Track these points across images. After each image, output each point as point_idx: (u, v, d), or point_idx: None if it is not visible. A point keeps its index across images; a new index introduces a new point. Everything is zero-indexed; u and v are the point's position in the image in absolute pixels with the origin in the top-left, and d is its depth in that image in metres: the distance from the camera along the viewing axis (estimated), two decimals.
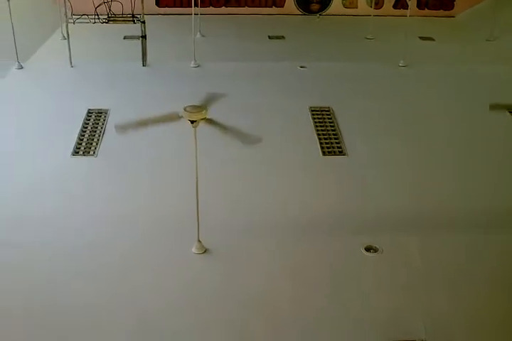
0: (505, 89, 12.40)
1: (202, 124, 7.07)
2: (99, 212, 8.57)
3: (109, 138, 10.18)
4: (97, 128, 10.41)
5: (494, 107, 8.17)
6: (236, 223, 8.42)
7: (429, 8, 18.30)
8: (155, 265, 7.52)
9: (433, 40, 16.08)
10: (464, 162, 10.04)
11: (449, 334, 6.85)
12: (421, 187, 9.37)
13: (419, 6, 17.92)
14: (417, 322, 6.90)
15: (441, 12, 18.48)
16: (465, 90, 12.47)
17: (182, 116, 7.00)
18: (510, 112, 11.14)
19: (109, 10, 13.19)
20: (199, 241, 7.70)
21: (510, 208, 8.93)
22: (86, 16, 13.11)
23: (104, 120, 10.60)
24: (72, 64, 12.69)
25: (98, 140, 10.11)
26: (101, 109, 10.90)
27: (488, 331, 6.90)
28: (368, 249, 7.86)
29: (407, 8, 14.00)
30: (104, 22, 13.14)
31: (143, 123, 7.23)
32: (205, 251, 7.72)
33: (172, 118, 7.07)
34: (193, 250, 7.70)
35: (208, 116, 7.04)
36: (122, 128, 7.47)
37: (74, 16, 13.07)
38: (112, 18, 13.20)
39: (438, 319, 6.99)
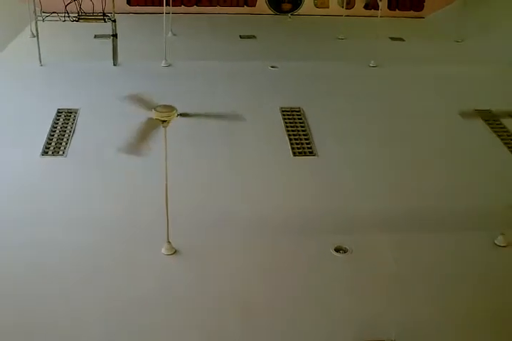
0: (473, 88, 12.57)
1: (175, 122, 7.04)
2: (68, 212, 8.49)
3: (79, 138, 10.11)
4: (66, 128, 10.32)
5: (466, 115, 8.25)
6: (207, 223, 8.39)
7: (399, 9, 18.42)
8: (124, 266, 7.49)
9: (403, 40, 16.20)
10: (435, 161, 10.12)
11: (420, 334, 6.88)
12: (392, 188, 9.41)
13: (390, 6, 18.00)
14: (387, 322, 6.94)
15: (411, 13, 18.62)
16: (434, 90, 12.60)
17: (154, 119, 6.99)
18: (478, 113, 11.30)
19: (80, 8, 13.05)
20: (169, 242, 7.67)
21: (484, 208, 8.97)
22: (56, 14, 12.97)
23: (74, 120, 10.51)
24: (42, 63, 12.59)
25: (68, 140, 10.03)
26: (71, 109, 10.82)
27: (459, 329, 6.95)
28: (337, 250, 7.89)
29: (378, 9, 14.08)
30: (74, 20, 13.00)
31: (140, 141, 7.15)
32: (174, 252, 7.70)
33: (153, 124, 7.03)
34: (163, 251, 7.67)
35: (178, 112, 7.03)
36: (128, 151, 7.42)
37: (43, 14, 12.94)
38: (82, 17, 13.08)
39: (409, 318, 7.03)
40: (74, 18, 12.98)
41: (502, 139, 10.65)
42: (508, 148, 10.42)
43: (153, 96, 9.84)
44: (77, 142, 10.02)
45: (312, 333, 6.80)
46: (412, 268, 7.75)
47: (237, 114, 7.71)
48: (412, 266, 7.79)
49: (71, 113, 10.71)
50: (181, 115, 7.12)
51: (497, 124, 11.03)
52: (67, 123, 10.43)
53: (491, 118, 11.10)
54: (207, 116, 7.28)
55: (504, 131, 10.80)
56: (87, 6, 13.00)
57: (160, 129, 7.01)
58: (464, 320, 7.04)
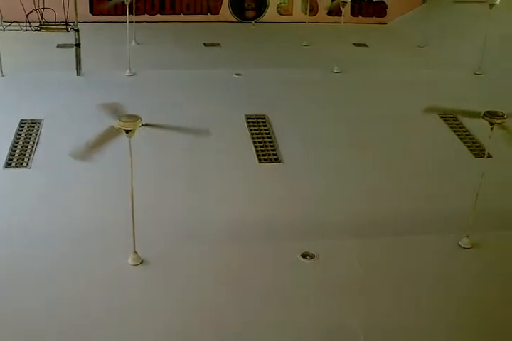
0: (436, 92, 12.70)
1: (140, 131, 7.02)
2: (32, 224, 8.41)
3: (43, 149, 10.02)
4: (30, 139, 10.22)
5: (429, 110, 8.35)
6: (173, 232, 8.38)
7: (362, 16, 18.57)
8: (90, 278, 7.41)
9: (366, 46, 16.33)
10: (400, 164, 10.22)
11: (387, 339, 6.92)
12: (357, 193, 9.48)
13: (353, 13, 18.14)
14: (354, 327, 6.97)
15: (374, 19, 18.77)
16: (398, 94, 12.72)
17: (117, 128, 6.96)
18: (441, 116, 11.43)
19: (41, 17, 12.97)
20: (135, 252, 7.63)
21: (448, 210, 9.06)
22: (17, 23, 12.87)
23: (37, 130, 10.43)
24: (3, 73, 12.45)
25: (31, 151, 9.93)
26: (34, 120, 10.72)
27: (426, 333, 6.99)
28: (304, 256, 7.91)
29: (341, 15, 14.19)
30: (36, 30, 12.91)
31: (93, 146, 7.10)
32: (141, 262, 7.65)
33: (113, 133, 7.00)
34: (129, 261, 7.62)
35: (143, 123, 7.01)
36: (77, 155, 7.34)
37: (4, 23, 12.83)
38: (44, 26, 12.99)
39: (376, 323, 7.06)
40: (36, 28, 12.89)
41: (464, 142, 10.80)
42: (471, 151, 10.56)
43: None
44: (41, 153, 9.93)
45: (281, 339, 6.81)
46: (379, 273, 7.80)
47: (204, 129, 7.72)
48: (379, 270, 7.84)
49: (34, 123, 10.62)
50: (146, 125, 7.10)
51: (460, 127, 11.18)
52: (31, 134, 10.33)
53: (451, 120, 11.27)
54: (172, 129, 7.25)
55: (467, 135, 10.96)
56: (49, 15, 12.91)
57: (118, 138, 6.96)
58: (432, 322, 7.07)
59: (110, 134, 6.98)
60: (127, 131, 7.02)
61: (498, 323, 7.15)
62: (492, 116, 7.55)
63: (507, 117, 7.55)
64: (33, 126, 10.54)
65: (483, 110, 7.66)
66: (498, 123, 7.55)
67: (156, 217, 8.52)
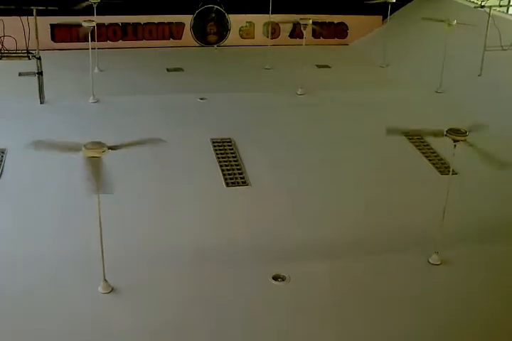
0: (399, 111, 12.89)
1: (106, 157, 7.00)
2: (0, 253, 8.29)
3: (9, 178, 9.91)
4: None
5: (391, 132, 8.43)
6: (142, 259, 8.29)
7: (324, 37, 18.77)
8: (59, 307, 7.31)
9: (329, 67, 16.52)
10: (367, 184, 10.27)
11: None
12: (325, 214, 9.49)
13: (315, 35, 18.33)
14: None
15: (335, 40, 19.02)
16: (362, 114, 12.87)
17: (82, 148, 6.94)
18: (406, 136, 11.55)
19: (2, 45, 12.89)
20: (105, 280, 7.54)
21: (417, 227, 9.12)
22: None
23: (1, 160, 10.32)
24: None
25: None
26: None
27: None
28: (275, 278, 7.89)
29: (303, 38, 14.34)
30: None
31: (97, 181, 7.03)
32: (111, 290, 7.57)
33: (94, 163, 6.97)
34: (100, 290, 7.53)
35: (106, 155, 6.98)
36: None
37: None
38: (5, 54, 12.91)
39: None
40: None
41: (430, 160, 10.91)
42: (437, 168, 10.67)
43: (82, 133, 9.85)
44: (6, 182, 9.81)
45: None
46: (350, 293, 7.80)
47: (160, 138, 7.70)
48: (350, 290, 7.85)
49: None
50: (111, 148, 7.07)
51: (424, 145, 11.30)
52: None
53: (415, 138, 11.39)
54: (133, 144, 7.22)
55: (432, 152, 11.08)
56: (9, 43, 12.84)
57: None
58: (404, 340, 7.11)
59: (94, 165, 6.93)
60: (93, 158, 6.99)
61: (470, 339, 7.20)
62: (455, 134, 7.64)
63: (468, 134, 7.65)
64: None
65: (445, 128, 7.76)
66: (461, 141, 7.65)
67: (125, 242, 8.45)
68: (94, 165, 6.92)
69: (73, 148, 7.01)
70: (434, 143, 11.12)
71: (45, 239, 8.60)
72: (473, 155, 7.68)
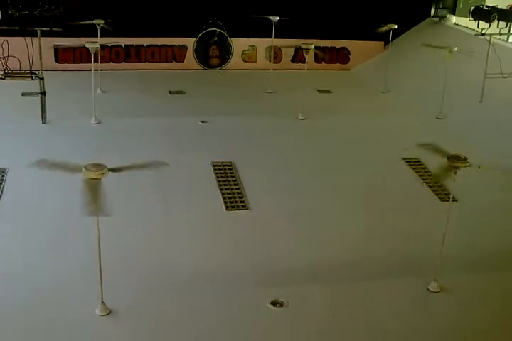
0: (400, 137, 12.91)
1: (107, 179, 7.00)
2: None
3: (9, 197, 9.91)
4: None
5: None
6: (142, 280, 8.26)
7: (325, 62, 18.88)
8: (57, 330, 7.26)
9: (330, 92, 16.59)
10: (366, 209, 10.27)
11: None
12: (325, 238, 9.47)
13: (317, 60, 18.46)
14: None
15: (337, 65, 19.14)
16: (363, 139, 12.89)
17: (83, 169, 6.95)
18: (406, 161, 11.59)
19: (6, 65, 12.96)
20: (103, 302, 7.50)
21: (415, 254, 9.08)
22: None
23: (2, 179, 10.33)
24: None
25: None
26: None
27: None
28: (273, 303, 7.84)
29: (305, 62, 14.43)
30: (0, 78, 12.90)
31: (94, 203, 7.04)
32: (109, 313, 7.52)
33: (93, 184, 6.98)
34: (97, 312, 7.49)
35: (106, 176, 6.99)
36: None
37: None
38: (8, 74, 12.97)
39: None
40: (0, 76, 12.87)
41: (430, 186, 10.91)
42: (437, 194, 10.66)
43: (83, 154, 9.86)
44: (6, 201, 9.81)
45: None
46: (349, 319, 7.75)
47: (162, 161, 7.71)
48: (349, 316, 7.79)
49: None
50: (112, 170, 7.08)
51: (425, 172, 11.32)
52: None
53: (416, 164, 11.42)
54: (136, 167, 7.23)
55: (432, 178, 11.05)
56: (13, 64, 12.90)
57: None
58: None
59: (92, 186, 6.94)
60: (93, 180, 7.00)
61: None
62: (455, 160, 7.65)
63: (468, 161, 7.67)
64: None
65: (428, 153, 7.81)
66: (461, 167, 7.66)
67: (123, 265, 8.42)
68: (93, 187, 6.92)
69: (74, 168, 7.02)
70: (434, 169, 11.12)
71: (44, 260, 8.57)
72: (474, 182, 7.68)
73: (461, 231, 9.08)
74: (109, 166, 7.02)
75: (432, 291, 8.24)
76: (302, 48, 14.14)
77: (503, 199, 10.57)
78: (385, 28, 16.74)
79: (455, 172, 7.71)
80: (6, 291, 7.84)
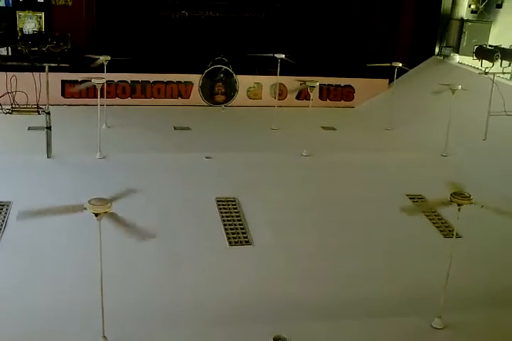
0: (404, 174, 12.94)
1: (105, 218, 7.03)
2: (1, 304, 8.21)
3: (11, 231, 9.91)
4: None
5: (407, 211, 8.56)
6: (144, 315, 8.22)
7: (330, 99, 19.01)
8: None
9: (335, 129, 16.66)
10: (368, 246, 10.24)
11: None
12: (328, 275, 9.43)
13: (321, 97, 18.59)
14: None
15: (342, 103, 19.24)
16: (367, 177, 12.89)
17: (86, 208, 6.96)
18: (409, 197, 11.61)
19: (13, 100, 13.08)
20: (104, 337, 7.46)
21: (418, 290, 9.04)
22: None
23: (5, 213, 10.35)
24: None
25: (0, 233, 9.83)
26: (2, 202, 10.67)
27: None
28: (276, 339, 7.77)
29: (310, 99, 14.52)
30: (7, 112, 13.00)
31: (45, 212, 7.10)
32: None
33: (75, 209, 7.01)
34: None
35: (111, 210, 7.00)
36: (24, 215, 7.32)
37: None
38: (15, 109, 13.08)
39: None
40: (7, 111, 12.98)
41: (433, 223, 10.89)
42: (440, 231, 10.64)
43: (88, 189, 9.88)
44: (10, 235, 9.82)
45: None
46: None
47: (150, 233, 7.72)
48: None
49: (3, 206, 10.56)
50: (109, 215, 7.11)
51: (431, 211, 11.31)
52: None
53: (419, 200, 11.45)
54: (124, 226, 7.25)
55: (435, 215, 11.05)
56: (20, 98, 13.03)
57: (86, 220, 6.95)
58: None
59: (71, 209, 6.98)
60: (96, 215, 7.02)
61: None
62: (459, 197, 7.67)
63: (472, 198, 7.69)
64: (1, 209, 10.47)
65: (450, 191, 7.79)
66: (465, 204, 7.68)
67: (126, 299, 8.39)
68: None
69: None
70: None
71: (45, 291, 8.56)
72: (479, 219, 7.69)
73: (465, 268, 9.04)
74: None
75: (435, 328, 8.18)
76: (307, 86, 14.24)
77: (508, 237, 10.54)
78: (378, 64, 16.95)
79: (459, 209, 7.73)
80: (7, 327, 7.78)
